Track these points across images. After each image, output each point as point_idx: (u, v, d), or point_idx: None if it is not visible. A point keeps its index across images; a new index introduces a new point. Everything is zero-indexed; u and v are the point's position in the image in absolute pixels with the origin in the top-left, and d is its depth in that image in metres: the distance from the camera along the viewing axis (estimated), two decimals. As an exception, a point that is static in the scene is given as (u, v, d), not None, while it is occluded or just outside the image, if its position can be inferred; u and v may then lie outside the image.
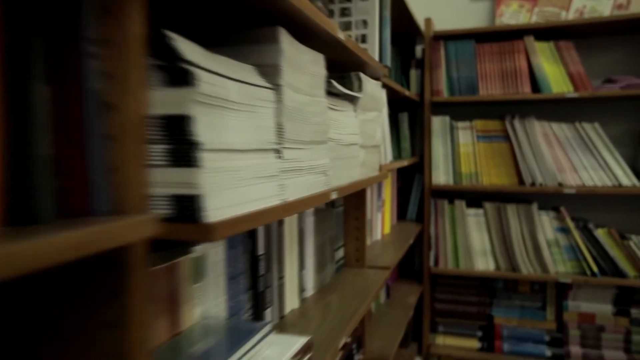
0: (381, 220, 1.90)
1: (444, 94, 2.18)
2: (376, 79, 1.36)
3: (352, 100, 1.09)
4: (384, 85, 1.55)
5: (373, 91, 1.20)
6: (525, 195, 2.32)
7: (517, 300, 2.19)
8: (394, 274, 2.25)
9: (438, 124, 2.20)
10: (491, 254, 2.13)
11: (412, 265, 2.49)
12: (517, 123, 2.10)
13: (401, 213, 2.43)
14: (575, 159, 2.05)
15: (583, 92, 1.98)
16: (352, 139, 1.04)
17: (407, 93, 2.02)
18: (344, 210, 1.42)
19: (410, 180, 2.45)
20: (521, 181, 2.07)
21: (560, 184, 2.03)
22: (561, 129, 2.09)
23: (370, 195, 1.74)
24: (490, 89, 2.12)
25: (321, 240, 1.21)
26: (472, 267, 2.13)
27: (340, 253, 1.40)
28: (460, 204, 2.15)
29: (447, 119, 2.19)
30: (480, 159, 2.15)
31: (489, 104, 2.35)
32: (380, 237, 1.87)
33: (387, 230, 1.99)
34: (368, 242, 1.76)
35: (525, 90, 2.07)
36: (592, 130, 2.04)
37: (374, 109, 1.24)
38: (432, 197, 2.20)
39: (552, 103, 2.28)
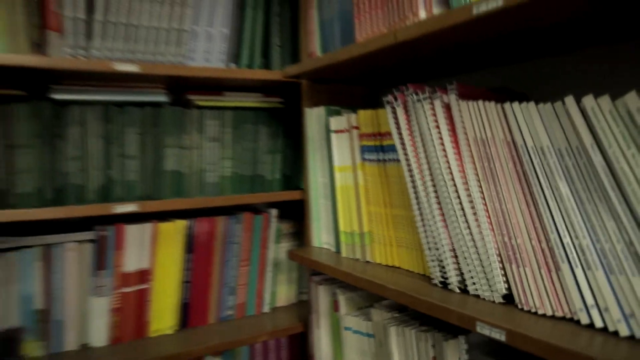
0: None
1: (317, 53, 1.00)
2: None
3: None
4: None
5: None
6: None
7: None
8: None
9: (313, 123, 1.03)
10: None
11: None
12: (411, 108, 0.74)
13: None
14: (582, 233, 0.57)
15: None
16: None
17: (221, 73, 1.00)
18: None
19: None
20: (430, 276, 0.74)
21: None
22: (527, 125, 0.61)
23: None
24: (371, 26, 0.84)
25: None
26: None
27: None
28: (345, 300, 0.94)
29: (321, 111, 1.00)
30: (368, 203, 0.89)
31: (382, 67, 0.98)
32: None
33: None
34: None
35: (414, 13, 0.72)
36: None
37: None
38: (312, 279, 1.06)
39: (496, 38, 0.77)
